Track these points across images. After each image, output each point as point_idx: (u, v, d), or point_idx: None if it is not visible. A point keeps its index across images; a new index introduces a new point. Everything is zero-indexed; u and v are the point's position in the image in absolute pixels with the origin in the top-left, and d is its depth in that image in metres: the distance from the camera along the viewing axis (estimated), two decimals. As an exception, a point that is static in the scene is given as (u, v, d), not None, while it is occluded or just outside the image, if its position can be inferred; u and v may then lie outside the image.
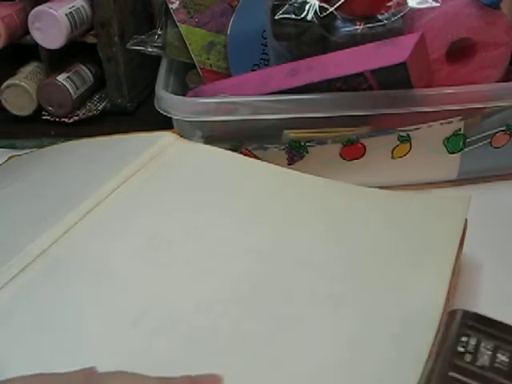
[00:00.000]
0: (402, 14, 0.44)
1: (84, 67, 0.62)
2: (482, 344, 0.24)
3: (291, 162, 0.46)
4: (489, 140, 0.47)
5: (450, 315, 0.27)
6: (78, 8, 0.57)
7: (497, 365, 0.24)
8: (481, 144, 0.47)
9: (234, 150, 0.46)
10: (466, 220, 0.37)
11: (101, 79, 0.63)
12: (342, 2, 0.45)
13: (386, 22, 0.44)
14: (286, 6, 0.45)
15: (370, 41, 0.43)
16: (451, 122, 0.45)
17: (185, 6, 0.53)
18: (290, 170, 0.42)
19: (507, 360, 0.24)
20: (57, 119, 0.60)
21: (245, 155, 0.45)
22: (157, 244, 0.35)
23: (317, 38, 0.45)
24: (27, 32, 0.57)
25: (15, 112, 0.60)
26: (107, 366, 0.27)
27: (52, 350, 0.28)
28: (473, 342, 0.25)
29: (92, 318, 0.30)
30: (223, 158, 0.43)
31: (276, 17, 0.45)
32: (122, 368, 0.27)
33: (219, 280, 0.32)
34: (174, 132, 0.45)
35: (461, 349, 0.24)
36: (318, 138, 0.45)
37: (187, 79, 0.55)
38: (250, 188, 0.40)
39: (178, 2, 0.52)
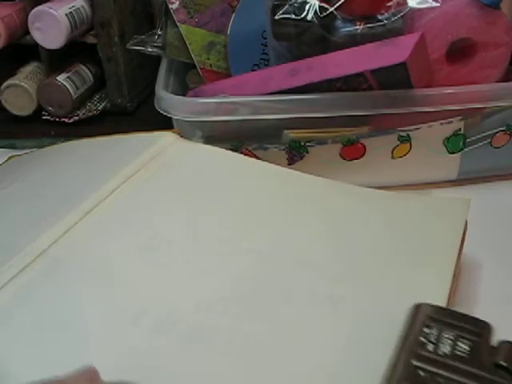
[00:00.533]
0: (402, 14, 0.44)
1: (84, 67, 0.62)
2: (444, 334, 0.25)
3: (291, 162, 0.46)
4: (489, 140, 0.47)
5: (415, 309, 0.28)
6: (78, 8, 0.57)
7: (458, 352, 0.25)
8: (481, 144, 0.47)
9: (234, 150, 0.46)
10: (466, 222, 0.37)
11: (101, 79, 0.63)
12: (342, 2, 0.45)
13: (386, 22, 0.44)
14: (286, 6, 0.45)
15: (370, 41, 0.43)
16: (451, 121, 0.45)
17: (185, 6, 0.53)
18: (290, 170, 0.42)
19: (468, 348, 0.25)
20: (57, 119, 0.60)
21: (245, 155, 0.45)
22: (157, 244, 0.35)
23: (317, 38, 0.45)
24: (27, 32, 0.57)
25: (15, 112, 0.60)
26: (107, 365, 0.27)
27: (52, 349, 0.28)
28: (435, 332, 0.26)
29: (92, 317, 0.30)
30: (223, 158, 0.43)
31: (276, 17, 0.45)
32: (121, 367, 0.27)
33: (219, 280, 0.32)
34: (174, 132, 0.45)
35: (423, 339, 0.25)
36: (318, 137, 0.45)
37: (187, 79, 0.55)
38: (249, 188, 0.40)
39: (177, 2, 0.52)
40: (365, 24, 0.44)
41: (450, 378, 0.24)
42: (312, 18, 0.44)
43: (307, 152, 0.46)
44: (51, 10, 0.54)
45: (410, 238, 0.36)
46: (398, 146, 0.46)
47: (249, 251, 0.34)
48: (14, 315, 0.30)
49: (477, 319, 0.27)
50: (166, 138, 0.44)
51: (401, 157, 0.47)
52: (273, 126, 0.45)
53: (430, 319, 0.27)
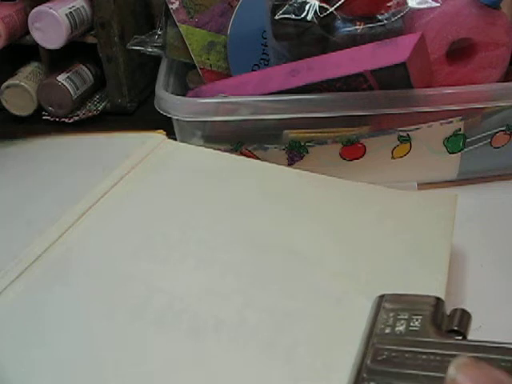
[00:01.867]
0: (402, 14, 0.44)
1: (84, 67, 0.62)
2: (398, 316, 0.28)
3: (291, 162, 0.46)
4: (489, 140, 0.47)
5: (377, 300, 0.30)
6: (78, 8, 0.57)
7: (411, 328, 0.27)
8: (481, 144, 0.47)
9: (234, 150, 0.46)
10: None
11: (101, 79, 0.63)
12: (342, 2, 0.45)
13: (385, 22, 0.44)
14: (286, 6, 0.45)
15: (370, 41, 0.43)
16: (451, 121, 0.45)
17: (185, 6, 0.53)
18: (282, 167, 0.43)
19: (419, 323, 0.28)
20: (57, 119, 0.60)
21: (245, 155, 0.46)
22: (153, 241, 0.35)
23: (317, 38, 0.45)
24: (27, 32, 0.56)
25: (15, 112, 0.60)
26: (111, 361, 0.27)
27: (54, 350, 0.28)
28: (391, 317, 0.29)
29: (93, 315, 0.30)
30: (210, 157, 0.43)
31: (276, 17, 0.45)
32: (126, 362, 0.27)
33: (218, 271, 0.33)
34: (160, 133, 0.45)
35: (382, 326, 0.28)
36: (318, 138, 0.45)
37: (187, 79, 0.55)
38: (238, 184, 0.41)
39: (177, 2, 0.52)
40: (365, 24, 0.44)
41: (405, 351, 0.26)
42: (312, 17, 0.44)
43: (307, 152, 0.46)
44: (51, 10, 0.54)
45: (403, 231, 0.36)
46: (398, 145, 0.46)
47: (243, 243, 0.35)
48: (14, 321, 0.30)
49: (427, 296, 0.29)
50: (153, 139, 0.44)
51: (401, 157, 0.47)
52: (273, 126, 0.45)
53: (388, 307, 0.29)
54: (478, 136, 0.47)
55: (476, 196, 0.43)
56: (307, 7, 0.44)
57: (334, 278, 0.33)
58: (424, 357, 0.25)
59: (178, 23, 0.52)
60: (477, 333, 0.32)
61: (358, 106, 0.43)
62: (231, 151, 0.46)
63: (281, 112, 0.43)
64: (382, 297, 0.30)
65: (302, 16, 0.44)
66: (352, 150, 0.46)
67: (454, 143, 0.47)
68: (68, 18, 0.55)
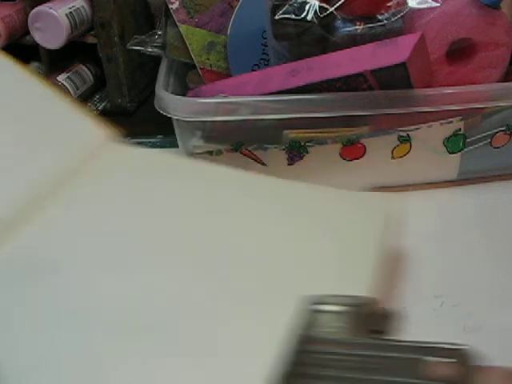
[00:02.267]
0: (402, 14, 0.44)
1: (84, 67, 0.62)
2: (323, 318, 0.28)
3: (291, 162, 0.46)
4: (489, 140, 0.47)
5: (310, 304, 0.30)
6: (78, 8, 0.57)
7: (334, 330, 0.27)
8: (481, 144, 0.47)
9: (234, 150, 0.46)
10: (395, 216, 0.37)
11: (101, 79, 0.63)
12: (342, 2, 0.45)
13: (385, 22, 0.44)
14: (286, 6, 0.45)
15: (370, 41, 0.43)
16: (451, 121, 0.45)
17: (185, 6, 0.52)
18: (226, 169, 0.42)
19: (343, 324, 0.28)
20: (57, 119, 0.60)
21: (245, 155, 0.46)
22: (94, 247, 0.35)
23: (317, 38, 0.45)
24: (27, 32, 0.57)
25: (15, 112, 0.60)
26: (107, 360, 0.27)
27: (49, 348, 0.28)
28: (319, 320, 0.28)
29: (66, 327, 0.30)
30: (156, 160, 0.43)
31: (276, 17, 0.45)
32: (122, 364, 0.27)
33: (155, 275, 0.33)
34: (104, 129, 0.44)
35: (307, 328, 0.28)
36: (318, 138, 0.45)
37: (187, 79, 0.55)
38: (178, 187, 0.40)
39: (177, 2, 0.52)
40: (365, 24, 0.44)
41: (327, 352, 0.26)
42: (312, 17, 0.44)
43: (307, 152, 0.46)
44: (51, 10, 0.54)
45: (333, 232, 0.36)
46: (398, 145, 0.46)
47: (181, 245, 0.35)
48: None
49: (353, 297, 0.29)
50: (96, 138, 0.43)
51: (401, 157, 0.47)
52: (273, 125, 0.45)
53: (313, 309, 0.29)
54: (478, 136, 0.47)
55: (476, 196, 0.43)
56: (307, 7, 0.45)
57: (260, 280, 0.32)
58: (345, 357, 0.26)
59: (178, 23, 0.52)
60: (477, 333, 0.32)
61: (358, 106, 0.43)
62: (231, 151, 0.46)
63: (281, 112, 0.43)
64: (308, 299, 0.30)
65: (302, 16, 0.44)
66: (352, 150, 0.46)
67: (454, 143, 0.47)
68: (68, 17, 0.55)
